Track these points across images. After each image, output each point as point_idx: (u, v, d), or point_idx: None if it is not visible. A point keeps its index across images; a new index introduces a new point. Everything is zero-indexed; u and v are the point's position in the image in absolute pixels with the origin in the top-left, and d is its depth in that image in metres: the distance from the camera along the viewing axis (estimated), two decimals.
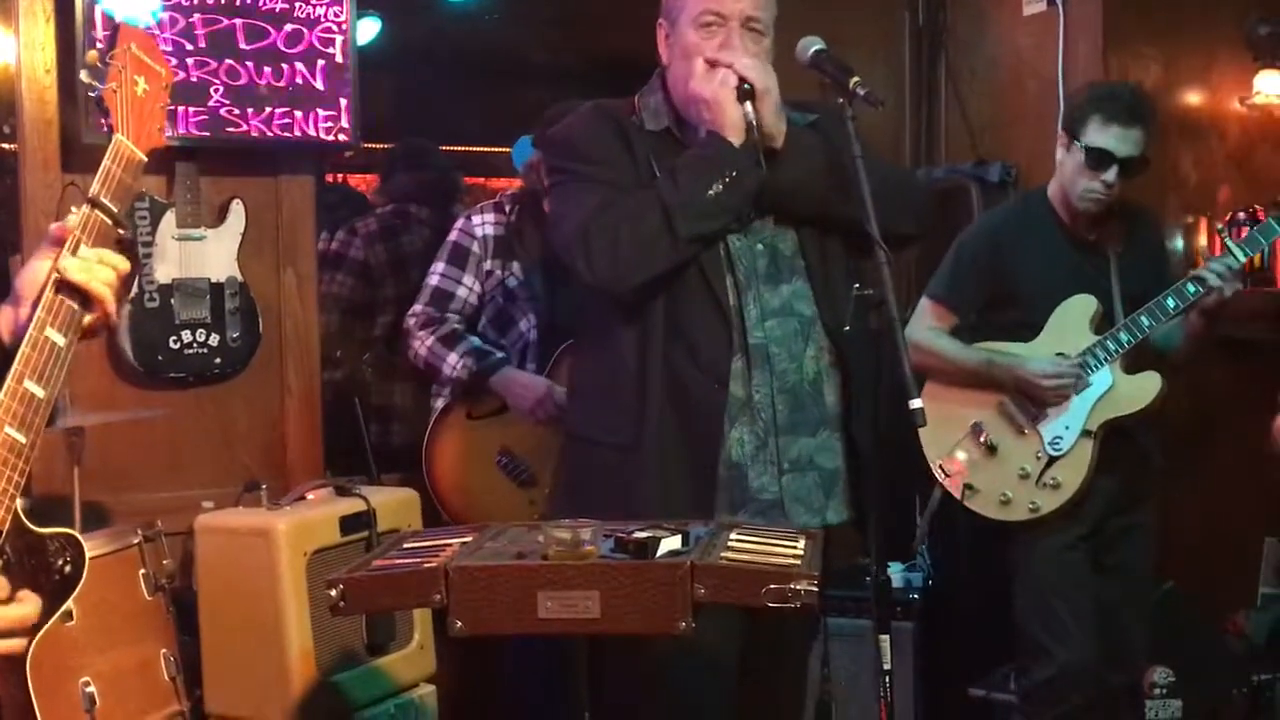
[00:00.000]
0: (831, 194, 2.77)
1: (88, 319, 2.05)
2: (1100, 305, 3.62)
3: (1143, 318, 3.56)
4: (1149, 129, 3.58)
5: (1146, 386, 3.60)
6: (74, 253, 2.03)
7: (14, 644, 1.96)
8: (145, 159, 2.15)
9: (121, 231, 2.10)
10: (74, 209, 2.08)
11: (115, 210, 2.08)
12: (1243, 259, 3.56)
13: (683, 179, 2.72)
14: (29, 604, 1.98)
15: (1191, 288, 3.53)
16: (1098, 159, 3.54)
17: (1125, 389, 3.60)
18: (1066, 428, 3.60)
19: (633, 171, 2.82)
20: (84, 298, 2.03)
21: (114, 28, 2.21)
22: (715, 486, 2.78)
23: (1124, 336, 3.58)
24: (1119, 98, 3.59)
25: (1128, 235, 3.70)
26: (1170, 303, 3.54)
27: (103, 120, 2.15)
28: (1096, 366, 3.59)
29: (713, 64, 2.75)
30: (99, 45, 2.16)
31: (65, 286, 2.02)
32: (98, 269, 2.03)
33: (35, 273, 2.05)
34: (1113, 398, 3.60)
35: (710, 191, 2.70)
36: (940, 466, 3.69)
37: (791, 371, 2.82)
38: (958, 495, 3.67)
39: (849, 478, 2.89)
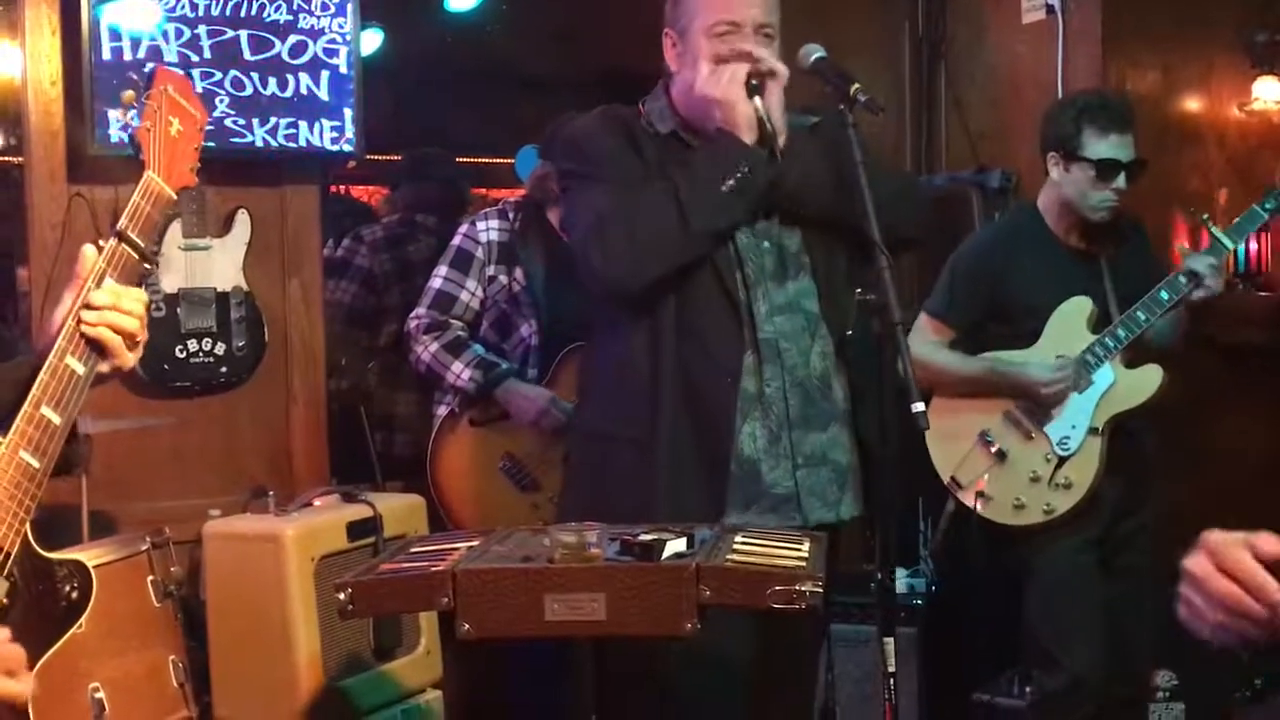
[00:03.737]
0: (831, 197, 2.81)
1: (104, 366, 2.09)
2: (1095, 306, 3.66)
3: (1138, 313, 3.59)
4: (1136, 131, 3.64)
5: (1148, 378, 3.63)
6: (98, 285, 2.07)
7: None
8: (175, 197, 2.20)
9: (147, 265, 2.15)
10: (101, 241, 2.12)
11: (142, 245, 2.13)
12: (1230, 247, 3.60)
13: (696, 175, 2.76)
14: (21, 681, 1.99)
15: (1183, 279, 3.55)
16: (1109, 170, 3.57)
17: (1127, 383, 3.63)
18: (1073, 427, 3.62)
19: (641, 171, 2.85)
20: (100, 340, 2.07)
21: (151, 69, 2.28)
22: (728, 481, 2.80)
23: (1121, 332, 3.61)
24: (1109, 107, 3.63)
25: (1118, 242, 3.74)
26: (1164, 295, 3.57)
27: (136, 154, 2.20)
28: (1097, 364, 3.61)
29: (721, 61, 2.79)
30: (137, 84, 2.25)
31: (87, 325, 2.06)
32: (115, 316, 2.07)
33: (61, 313, 2.09)
34: (1116, 393, 3.62)
35: (723, 187, 2.74)
36: (954, 479, 3.72)
37: (801, 366, 2.86)
38: (971, 505, 3.69)
39: (860, 473, 2.92)
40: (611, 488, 2.84)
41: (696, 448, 2.81)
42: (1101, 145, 3.58)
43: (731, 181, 2.74)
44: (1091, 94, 3.77)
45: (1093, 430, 3.61)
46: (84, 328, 2.05)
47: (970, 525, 3.77)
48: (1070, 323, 3.66)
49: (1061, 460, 3.62)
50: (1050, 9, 4.69)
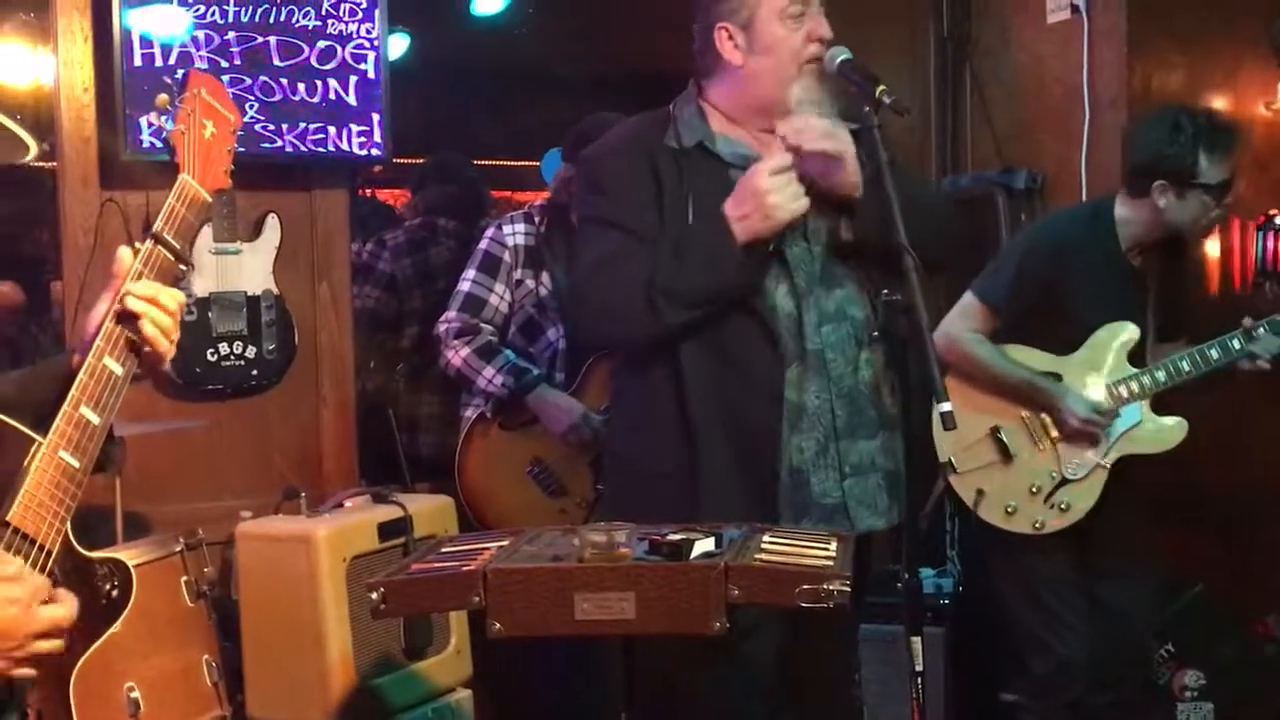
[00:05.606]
0: (882, 220, 2.77)
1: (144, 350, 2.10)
2: (1140, 337, 3.61)
3: (1184, 363, 3.56)
4: None
5: (1172, 432, 3.61)
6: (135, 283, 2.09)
7: (53, 645, 1.99)
8: (210, 199, 2.23)
9: (183, 267, 2.18)
10: (137, 244, 2.15)
11: (178, 247, 2.15)
12: None
13: (682, 266, 2.72)
14: (66, 604, 2.01)
15: (1238, 344, 3.53)
16: (1224, 190, 3.52)
17: (1150, 429, 3.61)
18: (1087, 454, 3.61)
19: (653, 209, 2.80)
20: (139, 330, 2.08)
21: (185, 73, 2.31)
22: (778, 494, 2.77)
23: (1162, 376, 3.58)
24: (1219, 128, 3.54)
25: (1165, 259, 3.69)
26: (1214, 354, 3.54)
27: (171, 159, 2.23)
28: (1128, 400, 3.59)
29: (811, 60, 2.79)
30: (171, 88, 2.28)
31: (125, 316, 2.08)
32: (154, 310, 2.08)
33: (97, 316, 2.11)
34: (1137, 435, 3.60)
35: (703, 291, 2.72)
36: (950, 462, 3.66)
37: (848, 376, 2.83)
38: (965, 495, 3.66)
39: (910, 479, 2.89)
40: (651, 516, 2.79)
41: (740, 471, 2.77)
42: (1220, 168, 3.50)
43: (711, 287, 2.72)
44: (1198, 115, 3.60)
45: (1101, 465, 3.60)
46: (129, 300, 2.06)
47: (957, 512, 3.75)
48: (1114, 346, 3.61)
49: (1065, 482, 3.61)
50: (1075, 9, 4.68)
